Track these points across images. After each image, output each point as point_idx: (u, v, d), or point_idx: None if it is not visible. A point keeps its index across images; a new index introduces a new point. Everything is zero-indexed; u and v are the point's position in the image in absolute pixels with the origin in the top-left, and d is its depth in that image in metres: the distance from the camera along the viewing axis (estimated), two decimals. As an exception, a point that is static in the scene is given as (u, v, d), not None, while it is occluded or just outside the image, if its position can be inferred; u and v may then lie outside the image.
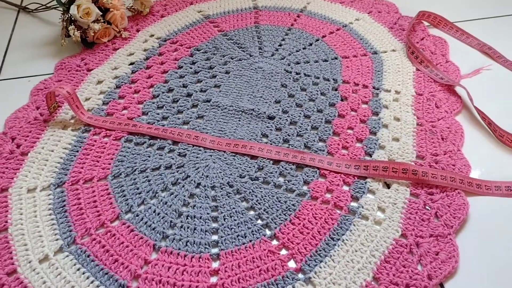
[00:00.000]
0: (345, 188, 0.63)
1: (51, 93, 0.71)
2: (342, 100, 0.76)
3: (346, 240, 0.56)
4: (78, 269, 0.53)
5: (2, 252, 0.54)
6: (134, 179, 0.63)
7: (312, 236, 0.57)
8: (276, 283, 0.52)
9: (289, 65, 0.83)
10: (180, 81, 0.79)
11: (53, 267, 0.53)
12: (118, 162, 0.65)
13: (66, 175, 0.63)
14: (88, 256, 0.54)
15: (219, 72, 0.82)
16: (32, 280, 0.52)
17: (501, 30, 0.93)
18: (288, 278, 0.53)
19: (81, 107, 0.72)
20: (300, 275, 0.54)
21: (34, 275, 0.52)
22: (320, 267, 0.54)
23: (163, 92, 0.77)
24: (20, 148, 0.67)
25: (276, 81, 0.80)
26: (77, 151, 0.67)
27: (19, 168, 0.64)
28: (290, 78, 0.80)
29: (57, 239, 0.56)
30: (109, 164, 0.65)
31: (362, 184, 0.63)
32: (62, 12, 0.85)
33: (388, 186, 0.63)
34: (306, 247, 0.56)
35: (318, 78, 0.81)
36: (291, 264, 0.55)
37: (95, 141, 0.68)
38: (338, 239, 0.57)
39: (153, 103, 0.75)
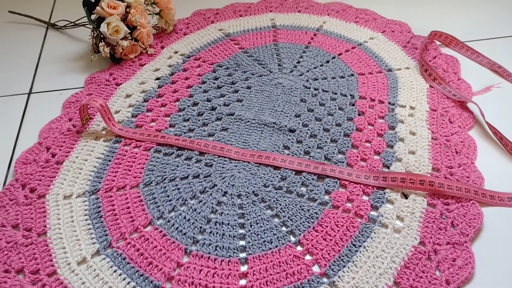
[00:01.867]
0: (365, 198, 0.66)
1: (85, 105, 0.75)
2: (359, 114, 0.80)
3: (368, 246, 0.59)
4: (115, 271, 0.56)
5: (42, 255, 0.58)
6: (164, 187, 0.67)
7: (335, 242, 0.60)
8: (302, 286, 0.55)
9: (307, 81, 0.87)
10: (204, 96, 0.83)
11: (91, 269, 0.56)
12: (149, 171, 0.69)
13: (100, 183, 0.67)
14: (124, 259, 0.57)
15: (241, 87, 0.86)
16: (71, 281, 0.55)
17: (511, 50, 0.97)
18: (314, 282, 0.56)
19: (113, 119, 0.75)
20: (325, 279, 0.56)
21: (73, 276, 0.55)
22: (344, 272, 0.57)
23: (188, 106, 0.81)
24: (55, 157, 0.71)
25: (295, 96, 0.83)
26: (110, 161, 0.70)
27: (55, 176, 0.68)
28: (309, 94, 0.84)
29: (94, 243, 0.59)
30: (140, 173, 0.69)
31: (381, 194, 0.66)
32: (92, 29, 0.90)
33: (406, 196, 0.66)
34: (329, 253, 0.59)
35: (335, 93, 0.84)
36: (316, 268, 0.58)
37: (126, 151, 0.72)
38: (360, 246, 0.60)
39: (180, 116, 0.79)
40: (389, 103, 0.82)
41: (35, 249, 0.58)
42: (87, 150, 0.72)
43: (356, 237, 0.61)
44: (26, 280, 0.55)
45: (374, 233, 0.61)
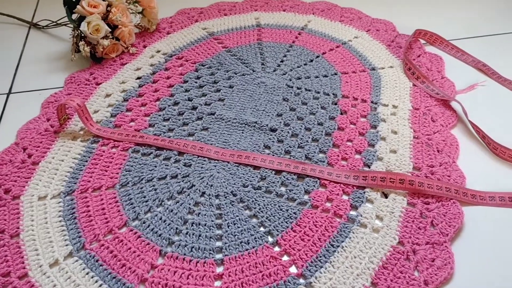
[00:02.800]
0: (345, 197, 0.65)
1: (62, 105, 0.74)
2: (341, 113, 0.79)
3: (346, 247, 0.59)
4: (87, 273, 0.55)
5: (14, 257, 0.56)
6: (141, 188, 0.65)
7: (312, 243, 0.59)
8: (278, 287, 0.54)
9: (290, 80, 0.86)
10: (185, 95, 0.82)
11: (63, 271, 0.55)
12: (126, 171, 0.68)
13: (75, 183, 0.66)
14: (97, 261, 0.56)
15: (223, 86, 0.85)
16: (43, 284, 0.54)
17: (495, 48, 0.97)
18: (290, 283, 0.55)
19: (90, 119, 0.74)
20: (301, 280, 0.56)
21: (45, 279, 0.54)
22: (321, 273, 0.56)
23: (169, 105, 0.80)
24: (31, 158, 0.70)
25: (278, 95, 0.83)
26: (86, 161, 0.69)
27: (31, 177, 0.67)
28: (291, 93, 0.83)
29: (66, 245, 0.58)
30: (117, 173, 0.67)
31: (361, 193, 0.65)
32: (72, 29, 0.89)
33: (386, 195, 0.65)
34: (307, 253, 0.58)
35: (318, 92, 0.84)
36: (293, 269, 0.57)
37: (104, 151, 0.71)
38: (338, 246, 0.59)
39: (160, 115, 0.78)
40: (372, 102, 0.82)
41: (7, 251, 0.57)
42: (64, 150, 0.71)
43: (334, 237, 0.60)
44: (-5, 283, 0.54)
45: (353, 233, 0.60)
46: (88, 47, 0.86)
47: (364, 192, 0.65)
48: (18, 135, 0.74)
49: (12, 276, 0.54)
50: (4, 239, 0.58)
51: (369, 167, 0.69)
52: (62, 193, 0.64)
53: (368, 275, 0.55)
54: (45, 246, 0.57)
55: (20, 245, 0.58)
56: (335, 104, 0.81)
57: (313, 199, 0.64)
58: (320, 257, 0.58)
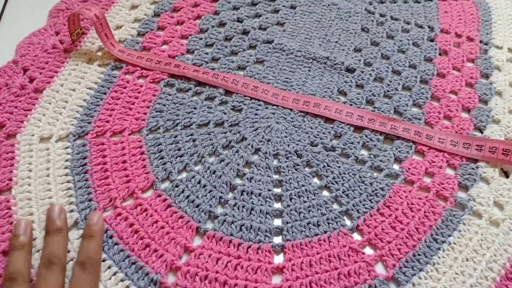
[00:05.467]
0: (450, 171, 0.48)
1: (75, 15, 0.56)
2: (440, 54, 0.60)
3: (454, 243, 0.42)
4: (98, 254, 0.40)
5: (0, 222, 0.41)
6: (175, 136, 0.49)
7: (408, 233, 0.43)
8: (359, 294, 0.39)
9: (371, 4, 0.66)
10: (234, 14, 0.63)
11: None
12: (156, 112, 0.51)
13: (90, 123, 0.49)
14: (111, 238, 0.41)
15: (283, 6, 0.65)
16: (35, 264, 0.39)
17: None
18: (376, 290, 0.39)
19: (112, 36, 0.56)
20: (393, 286, 0.40)
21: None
22: (420, 278, 0.40)
23: (212, 26, 0.61)
24: (33, 83, 0.53)
25: (355, 23, 0.63)
26: (105, 93, 0.53)
27: (31, 110, 0.51)
28: (373, 21, 0.63)
29: (71, 210, 0.42)
30: (145, 113, 0.51)
31: (473, 168, 0.48)
32: None
33: (506, 174, 0.48)
34: (400, 249, 0.42)
35: (408, 23, 0.63)
36: (380, 269, 0.41)
37: (128, 81, 0.54)
38: (443, 242, 0.42)
39: (201, 39, 0.60)
40: (481, 41, 0.61)
41: (-9, 212, 0.42)
42: (75, 76, 0.54)
43: (437, 229, 0.43)
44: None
45: (463, 224, 0.43)
46: None
47: (477, 167, 0.48)
48: (18, 51, 0.57)
49: (-3, 248, 0.40)
50: (-11, 194, 0.43)
51: (482, 132, 0.51)
52: (71, 135, 0.48)
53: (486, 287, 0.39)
54: (42, 210, 0.42)
55: (11, 205, 0.42)
56: (432, 40, 0.61)
57: (406, 171, 0.47)
58: (419, 255, 0.41)
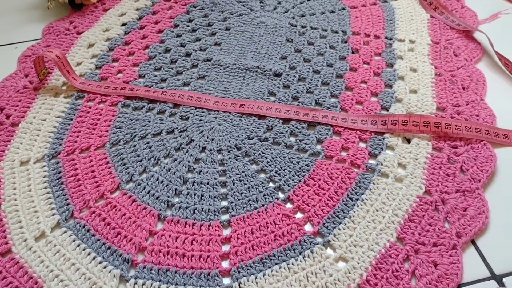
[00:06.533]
0: (362, 145, 0.58)
1: (40, 58, 0.66)
2: (353, 52, 0.71)
3: (366, 199, 0.52)
4: (78, 245, 0.49)
5: (-6, 230, 0.50)
6: (134, 146, 0.59)
7: (328, 197, 0.53)
8: (293, 248, 0.48)
9: (293, 18, 0.77)
10: (177, 41, 0.74)
11: (50, 245, 0.49)
12: (116, 128, 0.61)
13: (60, 145, 0.59)
14: (88, 231, 0.50)
15: (219, 29, 0.76)
16: (28, 260, 0.47)
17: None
18: (306, 243, 0.49)
19: (73, 72, 0.66)
20: (318, 239, 0.50)
21: (31, 254, 0.48)
22: (339, 229, 0.50)
23: (159, 53, 0.72)
24: (10, 119, 0.62)
25: (280, 35, 0.74)
26: (71, 119, 0.62)
27: (10, 140, 0.60)
28: (295, 32, 0.75)
29: (53, 214, 0.51)
30: (107, 131, 0.60)
31: (380, 140, 0.58)
32: (45, -28, 0.79)
33: (408, 141, 0.58)
34: (323, 209, 0.52)
35: (325, 30, 0.75)
36: (308, 227, 0.51)
37: (90, 107, 0.64)
38: (357, 199, 0.52)
39: (150, 64, 0.70)
40: (386, 37, 0.73)
41: (-14, 224, 0.51)
42: (45, 108, 0.64)
43: (352, 190, 0.53)
44: (-25, 261, 0.48)
45: (373, 183, 0.54)
46: (65, -8, 0.77)
47: (384, 138, 0.58)
48: (-6, 94, 0.66)
49: (-5, 252, 0.48)
50: (-16, 211, 0.52)
51: (388, 110, 0.62)
52: (46, 156, 0.58)
53: (393, 230, 0.49)
54: (29, 217, 0.51)
55: (2, 218, 0.51)
56: (345, 42, 0.73)
57: (326, 149, 0.57)
58: (338, 212, 0.51)
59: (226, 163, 0.56)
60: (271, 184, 0.55)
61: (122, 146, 0.59)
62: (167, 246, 0.49)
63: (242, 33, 0.75)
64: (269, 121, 0.61)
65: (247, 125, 0.61)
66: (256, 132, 0.60)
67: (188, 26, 0.76)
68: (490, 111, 0.61)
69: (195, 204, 0.53)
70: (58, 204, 0.52)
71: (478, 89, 0.64)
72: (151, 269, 0.47)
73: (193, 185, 0.54)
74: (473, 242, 0.49)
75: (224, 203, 0.53)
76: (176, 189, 0.54)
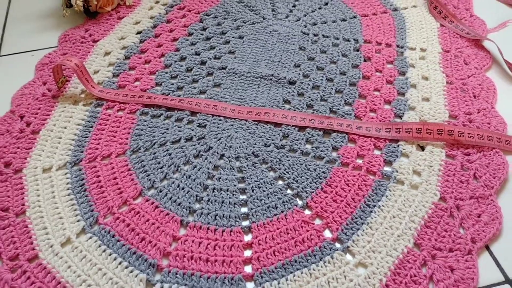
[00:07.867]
0: (377, 152, 0.60)
1: (58, 66, 0.67)
2: (365, 60, 0.72)
3: (383, 206, 0.54)
4: (104, 251, 0.50)
5: (21, 238, 0.51)
6: (154, 153, 0.60)
7: (346, 203, 0.54)
8: (313, 253, 0.50)
9: (305, 27, 0.79)
10: (192, 49, 0.75)
11: (76, 250, 0.50)
12: (136, 136, 0.62)
13: (82, 152, 0.60)
14: (113, 236, 0.51)
15: (232, 37, 0.77)
16: (56, 265, 0.49)
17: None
18: (326, 248, 0.50)
19: (91, 80, 0.68)
20: (338, 245, 0.51)
21: (58, 260, 0.49)
22: (358, 235, 0.51)
23: (175, 61, 0.73)
24: (30, 126, 0.64)
25: (293, 44, 0.75)
26: (91, 127, 0.63)
27: (32, 148, 0.61)
28: (308, 40, 0.76)
29: (78, 220, 0.53)
30: (127, 138, 0.62)
31: (395, 147, 0.60)
32: (61, -19, 0.80)
33: (422, 148, 0.60)
34: (341, 216, 0.53)
35: (337, 39, 0.76)
36: (327, 233, 0.52)
37: (109, 115, 0.65)
38: (374, 206, 0.54)
39: (166, 73, 0.71)
40: (398, 46, 0.75)
41: (13, 231, 0.52)
42: (65, 116, 0.65)
43: (369, 196, 0.55)
44: (4, 268, 0.49)
45: (389, 190, 0.55)
46: (81, 0, 0.78)
47: (398, 146, 0.60)
48: (13, 102, 0.67)
49: (21, 258, 0.49)
50: (9, 218, 0.53)
51: (401, 118, 0.63)
52: (68, 164, 0.59)
53: (410, 236, 0.51)
54: (54, 224, 0.52)
55: (27, 224, 0.52)
56: (357, 50, 0.74)
57: (342, 156, 0.59)
58: (356, 218, 0.53)
59: (245, 170, 0.58)
60: (289, 191, 0.56)
61: (143, 153, 0.60)
62: (191, 251, 0.50)
63: (255, 41, 0.76)
64: (285, 128, 0.62)
65: (264, 133, 0.62)
66: (272, 140, 0.61)
67: (202, 34, 0.78)
68: (501, 119, 0.62)
69: (216, 210, 0.54)
70: (83, 211, 0.53)
71: (488, 97, 0.65)
72: (176, 274, 0.48)
73: (213, 191, 0.56)
74: (487, 247, 0.50)
75: (244, 210, 0.54)
76: (197, 196, 0.55)
